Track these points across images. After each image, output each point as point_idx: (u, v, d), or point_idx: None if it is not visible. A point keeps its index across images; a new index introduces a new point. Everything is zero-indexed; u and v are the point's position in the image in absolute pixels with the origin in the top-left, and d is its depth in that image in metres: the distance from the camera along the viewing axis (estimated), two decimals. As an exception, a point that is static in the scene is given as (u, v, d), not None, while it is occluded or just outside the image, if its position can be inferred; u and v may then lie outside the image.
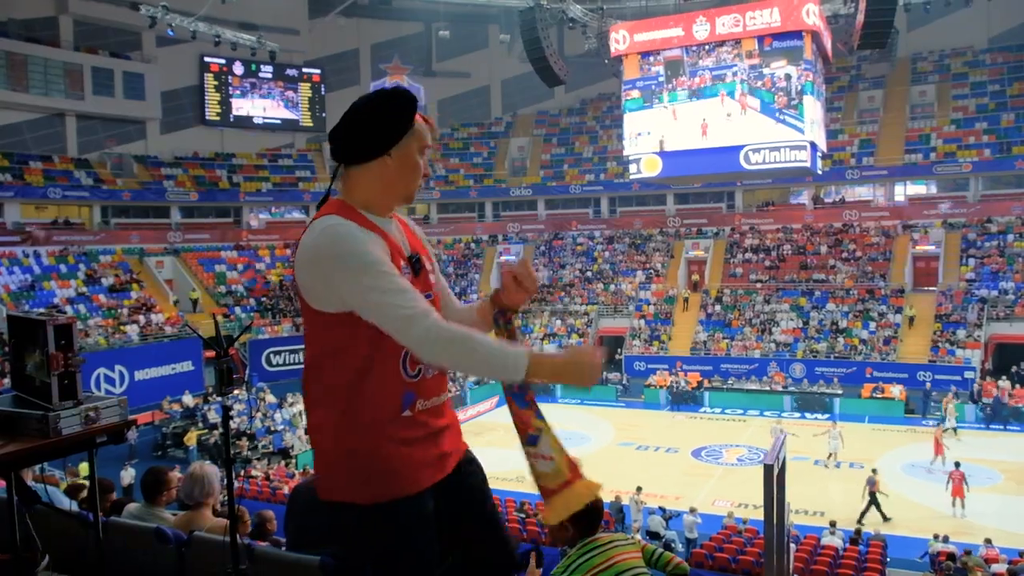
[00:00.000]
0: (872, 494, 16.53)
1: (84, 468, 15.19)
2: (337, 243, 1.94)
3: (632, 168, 26.73)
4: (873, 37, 24.42)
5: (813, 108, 23.92)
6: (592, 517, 2.83)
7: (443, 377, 2.24)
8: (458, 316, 2.29)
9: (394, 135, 2.06)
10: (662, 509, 15.75)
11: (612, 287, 35.90)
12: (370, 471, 2.05)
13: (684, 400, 27.92)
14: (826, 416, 24.79)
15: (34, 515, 3.16)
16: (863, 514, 16.17)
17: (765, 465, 2.62)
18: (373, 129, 2.05)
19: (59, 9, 34.04)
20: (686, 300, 33.29)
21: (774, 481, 2.56)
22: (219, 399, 24.68)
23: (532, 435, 2.31)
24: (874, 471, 17.30)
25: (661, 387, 28.64)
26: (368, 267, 1.92)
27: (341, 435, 2.05)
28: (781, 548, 2.80)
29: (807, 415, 25.69)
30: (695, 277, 35.67)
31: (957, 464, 16.98)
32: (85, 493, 6.63)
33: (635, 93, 26.04)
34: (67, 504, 3.85)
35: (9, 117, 32.76)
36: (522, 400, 2.30)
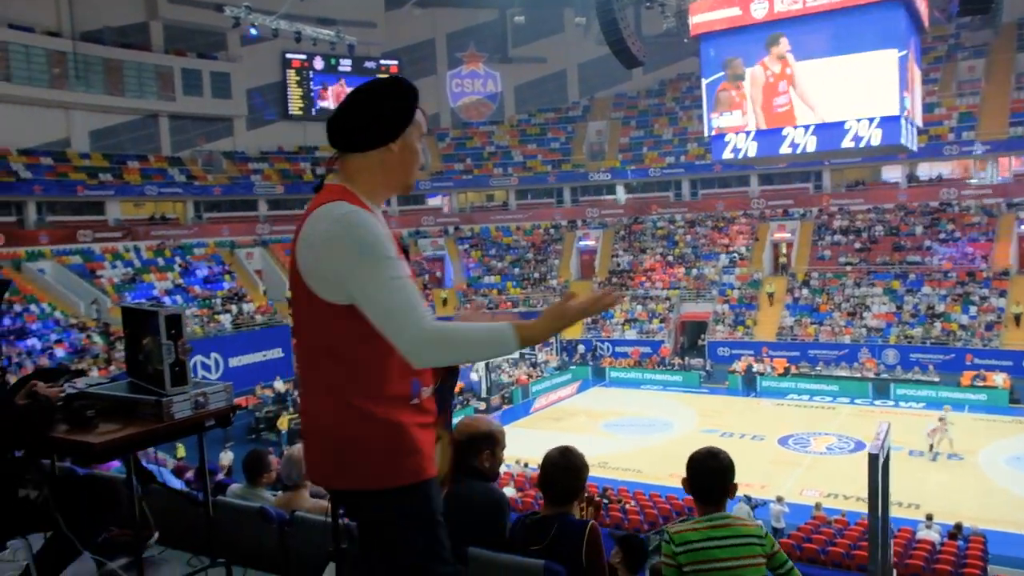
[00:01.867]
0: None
1: (180, 450, 15.95)
2: (359, 232, 1.91)
3: (716, 148, 26.00)
4: (976, 2, 23.03)
5: (909, 80, 22.81)
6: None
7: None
8: None
9: (401, 123, 2.05)
10: (748, 497, 15.45)
11: (694, 271, 35.29)
12: (399, 454, 2.02)
13: (751, 385, 27.64)
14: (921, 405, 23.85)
15: (148, 494, 3.35)
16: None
17: (870, 454, 2.54)
18: (381, 117, 2.04)
19: (149, 14, 35.53)
20: (771, 295, 32.28)
21: (879, 470, 2.48)
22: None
23: None
24: (941, 419, 19.38)
25: (756, 373, 28.05)
26: (388, 261, 1.91)
27: (365, 422, 1.99)
28: (886, 540, 2.71)
29: (901, 403, 24.78)
30: (782, 260, 34.72)
31: None
32: (190, 474, 6.98)
33: (717, 70, 25.35)
34: (177, 484, 4.07)
35: (108, 120, 34.45)
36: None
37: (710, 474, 2.75)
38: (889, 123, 22.69)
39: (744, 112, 25.03)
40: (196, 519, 3.22)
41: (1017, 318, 27.31)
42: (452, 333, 1.89)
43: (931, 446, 19.23)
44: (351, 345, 1.98)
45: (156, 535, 3.37)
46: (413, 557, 2.07)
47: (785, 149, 24.61)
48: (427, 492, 2.08)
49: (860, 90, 23.07)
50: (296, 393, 25.50)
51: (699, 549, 2.69)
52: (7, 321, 23.74)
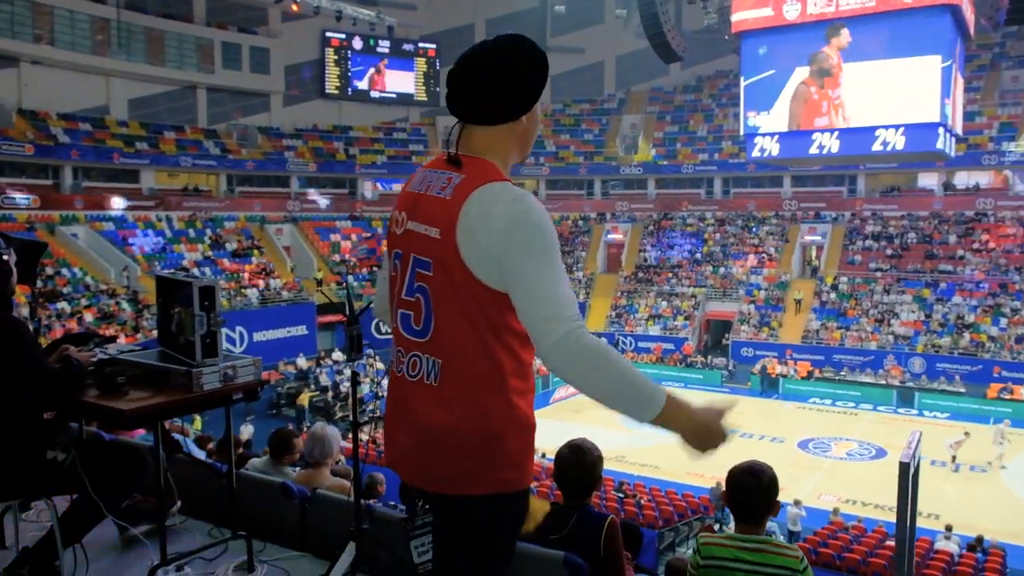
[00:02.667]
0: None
1: (197, 422, 16.13)
2: (539, 218, 1.79)
3: (756, 149, 25.69)
4: (1022, 11, 22.55)
5: (953, 87, 22.38)
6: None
7: None
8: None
9: (535, 96, 1.93)
10: (765, 499, 15.38)
11: (722, 270, 35.01)
12: (529, 455, 1.94)
13: (770, 386, 27.51)
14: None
15: (172, 464, 3.39)
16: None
17: (901, 463, 2.50)
18: (522, 89, 1.90)
19: (194, -14, 35.84)
20: (798, 302, 31.68)
21: (909, 480, 2.44)
22: (333, 363, 25.55)
23: None
24: (967, 433, 19.56)
25: (770, 375, 27.87)
26: (557, 254, 1.80)
27: (502, 422, 1.87)
28: (912, 549, 2.68)
29: (925, 413, 24.50)
30: (813, 263, 34.33)
31: None
32: (211, 445, 7.07)
33: (756, 68, 25.05)
34: (201, 455, 4.12)
35: (147, 89, 34.79)
36: None
37: (748, 492, 2.62)
38: (928, 130, 22.28)
39: (823, 112, 24.53)
40: (219, 491, 3.25)
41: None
42: (605, 356, 1.72)
43: (953, 457, 18.99)
44: (505, 335, 1.85)
45: (179, 504, 3.41)
46: (506, 560, 1.99)
47: (815, 150, 24.23)
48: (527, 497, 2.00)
49: (901, 96, 22.67)
50: (337, 376, 25.63)
51: (722, 568, 2.54)
52: (39, 284, 24.17)
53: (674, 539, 13.24)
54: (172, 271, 3.88)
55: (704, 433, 1.78)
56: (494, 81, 1.88)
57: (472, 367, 1.85)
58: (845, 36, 23.55)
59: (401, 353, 2.00)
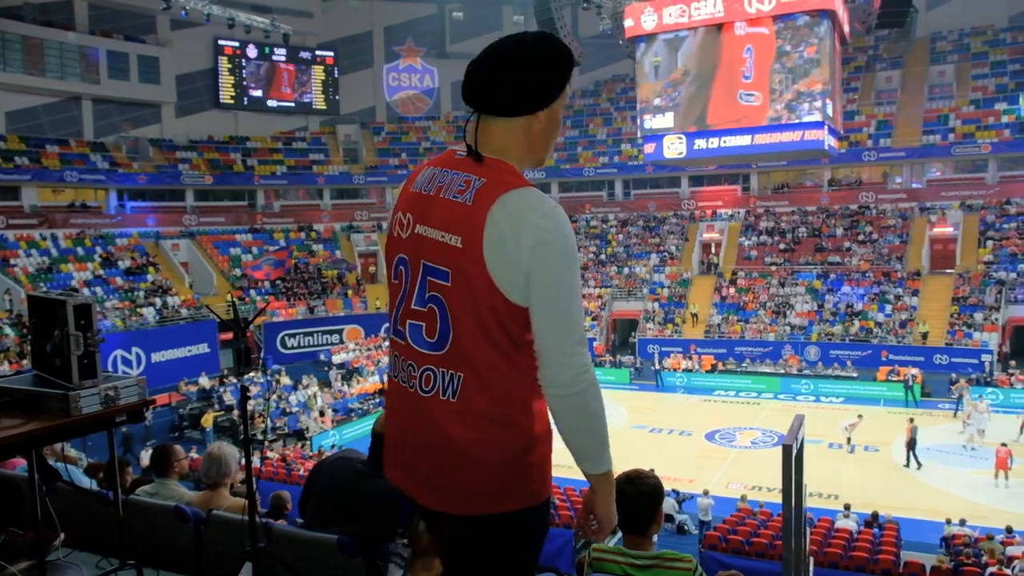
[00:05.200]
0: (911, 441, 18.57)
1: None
2: (567, 233, 1.73)
3: (648, 149, 26.42)
4: (892, 16, 24.07)
5: (829, 88, 23.62)
6: None
7: None
8: None
9: (559, 90, 1.84)
10: (675, 492, 15.80)
11: (626, 270, 35.79)
12: (543, 471, 1.89)
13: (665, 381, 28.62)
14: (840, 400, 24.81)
15: (54, 493, 3.20)
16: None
17: (784, 446, 2.60)
18: (543, 80, 1.82)
19: (74, -8, 34.17)
20: (695, 315, 31.97)
21: (792, 462, 2.55)
22: (235, 381, 24.80)
23: None
24: (860, 416, 20.29)
25: (675, 370, 28.64)
26: (578, 273, 1.77)
27: (529, 435, 1.83)
28: (799, 530, 2.79)
29: (822, 398, 25.71)
30: (712, 259, 35.49)
31: (1004, 444, 17.42)
32: (103, 473, 6.72)
33: (651, 72, 25.80)
34: (87, 483, 3.91)
35: (26, 101, 32.94)
36: None
37: (629, 500, 2.48)
38: (813, 128, 23.50)
39: (680, 113, 25.55)
40: (106, 519, 3.10)
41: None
42: (598, 410, 1.79)
43: (848, 439, 19.96)
44: (525, 348, 1.78)
45: (62, 537, 3.22)
46: (530, 573, 1.97)
47: (728, 148, 25.22)
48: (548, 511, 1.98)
49: (786, 97, 23.81)
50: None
51: None
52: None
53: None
54: (47, 291, 3.68)
55: (612, 508, 1.93)
56: (516, 68, 1.80)
57: (496, 381, 1.79)
58: (732, 40, 24.58)
59: (412, 367, 1.87)
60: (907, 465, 18.73)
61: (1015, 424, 20.34)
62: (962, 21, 37.57)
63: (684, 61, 25.23)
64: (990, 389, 23.86)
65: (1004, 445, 17.41)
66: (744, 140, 24.71)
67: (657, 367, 28.61)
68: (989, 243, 30.75)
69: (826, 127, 23.65)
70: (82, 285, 28.28)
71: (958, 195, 33.20)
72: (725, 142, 25.17)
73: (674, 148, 25.90)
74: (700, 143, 25.51)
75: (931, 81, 36.88)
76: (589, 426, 1.79)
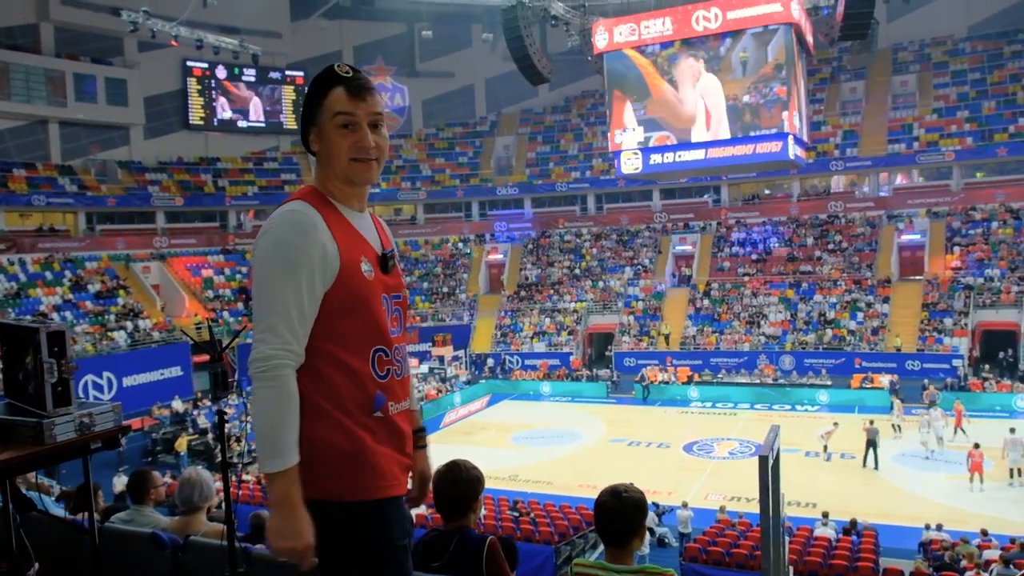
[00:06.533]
0: (869, 443, 19.12)
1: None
2: (273, 232, 1.90)
3: (624, 163, 26.65)
4: (854, 28, 24.55)
5: (795, 100, 24.03)
6: None
7: (407, 384, 2.13)
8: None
9: (310, 116, 2.00)
10: (655, 504, 15.79)
11: (600, 284, 35.94)
12: (354, 466, 1.94)
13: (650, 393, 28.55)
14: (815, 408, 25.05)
15: (28, 523, 3.15)
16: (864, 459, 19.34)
17: (760, 456, 2.63)
18: (303, 115, 2.03)
19: (40, 16, 33.80)
20: (667, 337, 31.85)
21: (769, 472, 2.58)
22: (211, 404, 24.52)
23: None
24: (835, 424, 20.59)
25: (652, 382, 28.73)
26: (284, 268, 1.85)
27: (324, 429, 1.93)
28: (777, 539, 2.82)
29: (797, 407, 25.92)
30: (685, 271, 35.75)
31: (976, 445, 17.54)
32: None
33: (620, 87, 26.11)
34: (61, 512, 3.84)
35: (-9, 125, 32.54)
36: None
37: (611, 513, 2.50)
38: (778, 140, 23.89)
39: (648, 127, 25.86)
40: (82, 548, 3.05)
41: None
42: (269, 395, 1.84)
43: (825, 447, 20.11)
44: (315, 347, 1.92)
45: (36, 566, 3.17)
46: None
47: (683, 162, 25.59)
48: (380, 513, 1.97)
49: (752, 109, 24.20)
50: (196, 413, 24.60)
51: None
52: None
53: (571, 553, 13.39)
54: (20, 318, 3.63)
55: (284, 521, 1.83)
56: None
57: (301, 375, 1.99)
58: (699, 55, 24.94)
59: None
60: (864, 465, 19.28)
61: (999, 428, 19.85)
62: (922, 32, 38.44)
63: (650, 76, 25.56)
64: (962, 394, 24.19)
65: (977, 447, 17.56)
66: (698, 154, 25.16)
67: (646, 383, 28.53)
68: (956, 249, 31.32)
69: (790, 138, 24.04)
70: (51, 310, 27.85)
71: (924, 202, 33.82)
72: (680, 156, 25.57)
73: (631, 164, 26.30)
74: (656, 158, 25.89)
75: (894, 91, 37.65)
76: (257, 415, 1.86)
